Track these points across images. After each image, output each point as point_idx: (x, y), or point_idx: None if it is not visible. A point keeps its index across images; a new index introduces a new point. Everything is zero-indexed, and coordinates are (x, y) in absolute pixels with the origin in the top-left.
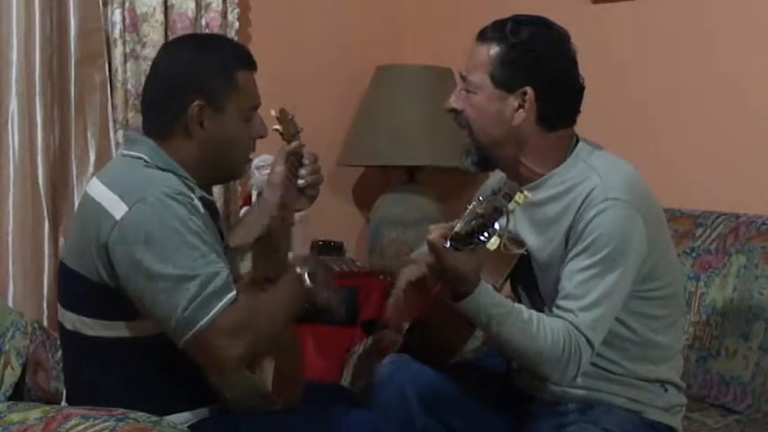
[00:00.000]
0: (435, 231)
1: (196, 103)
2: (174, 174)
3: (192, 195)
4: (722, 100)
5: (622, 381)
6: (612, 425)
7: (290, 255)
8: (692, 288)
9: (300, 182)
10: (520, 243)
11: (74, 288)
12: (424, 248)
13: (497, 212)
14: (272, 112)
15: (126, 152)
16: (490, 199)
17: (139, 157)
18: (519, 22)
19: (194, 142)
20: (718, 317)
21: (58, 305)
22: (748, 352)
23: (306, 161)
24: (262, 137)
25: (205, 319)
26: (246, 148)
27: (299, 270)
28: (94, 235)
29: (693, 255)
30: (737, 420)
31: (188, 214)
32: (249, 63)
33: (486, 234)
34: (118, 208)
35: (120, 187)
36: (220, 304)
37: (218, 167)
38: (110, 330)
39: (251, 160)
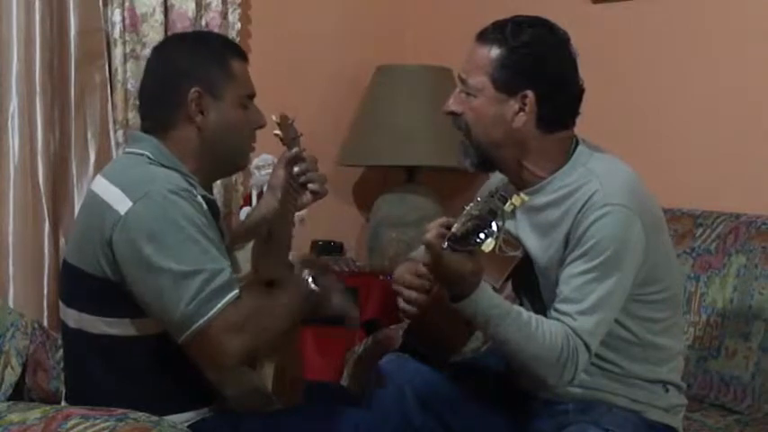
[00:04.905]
0: (432, 231)
1: (194, 90)
2: (178, 171)
3: (195, 192)
4: (722, 100)
5: (623, 381)
6: (613, 425)
7: (291, 255)
8: (692, 288)
9: (296, 169)
10: (516, 245)
11: (77, 285)
12: (423, 249)
13: (492, 214)
14: (273, 118)
15: (130, 150)
16: (486, 200)
17: (142, 154)
18: (520, 23)
19: (196, 132)
20: (718, 317)
21: (61, 303)
22: (748, 352)
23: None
24: (261, 126)
25: (208, 315)
26: (247, 136)
27: (303, 274)
28: (98, 230)
29: (693, 255)
30: (737, 420)
31: (192, 210)
32: (241, 53)
33: (481, 236)
34: (122, 203)
35: (123, 183)
36: (224, 301)
37: (220, 157)
38: (113, 328)
39: (254, 149)
